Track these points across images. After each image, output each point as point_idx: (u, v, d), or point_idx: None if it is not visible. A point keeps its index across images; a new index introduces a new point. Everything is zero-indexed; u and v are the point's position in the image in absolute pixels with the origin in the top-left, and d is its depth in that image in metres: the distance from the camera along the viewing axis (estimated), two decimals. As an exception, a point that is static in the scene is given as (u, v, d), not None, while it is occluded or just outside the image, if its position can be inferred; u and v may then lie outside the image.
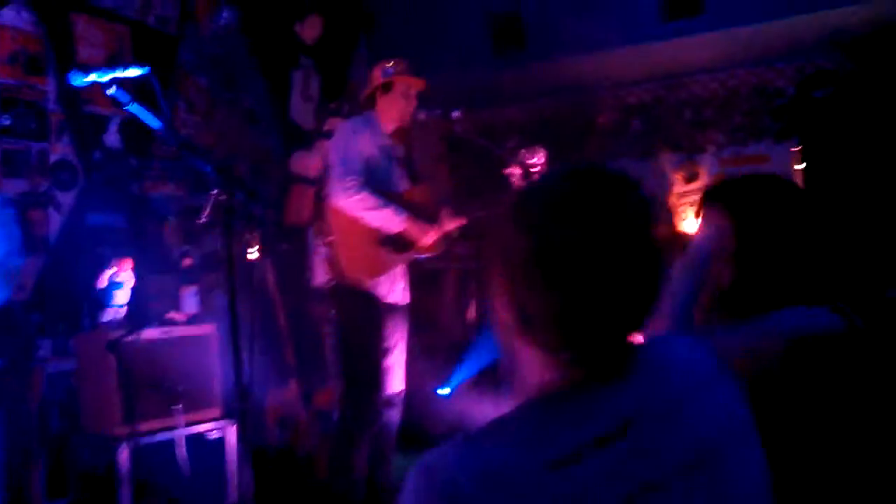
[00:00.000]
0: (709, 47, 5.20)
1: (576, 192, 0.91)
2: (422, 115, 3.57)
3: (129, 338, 3.32)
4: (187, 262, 4.44)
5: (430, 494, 0.84)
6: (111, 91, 2.42)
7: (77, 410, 3.51)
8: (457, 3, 5.58)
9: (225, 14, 5.07)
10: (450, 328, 5.53)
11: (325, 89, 5.75)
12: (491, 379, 4.90)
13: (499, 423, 0.92)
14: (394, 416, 3.53)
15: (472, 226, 3.57)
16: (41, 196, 4.03)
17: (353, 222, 3.32)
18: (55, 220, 4.09)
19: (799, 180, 3.80)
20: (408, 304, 3.55)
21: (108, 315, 3.69)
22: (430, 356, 5.12)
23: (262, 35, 5.30)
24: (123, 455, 3.19)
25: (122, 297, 3.72)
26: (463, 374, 4.87)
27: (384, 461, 3.55)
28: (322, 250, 4.63)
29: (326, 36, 5.69)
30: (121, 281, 3.71)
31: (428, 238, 3.40)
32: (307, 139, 5.45)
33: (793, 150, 4.93)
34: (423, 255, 3.48)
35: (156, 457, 3.29)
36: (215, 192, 2.36)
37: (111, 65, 2.44)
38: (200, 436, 3.52)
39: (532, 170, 3.50)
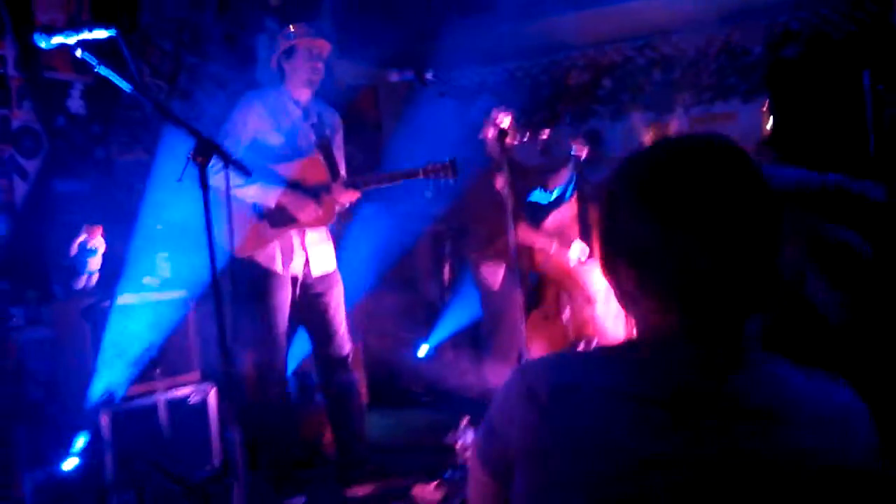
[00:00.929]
0: (678, 7, 5.22)
1: (691, 161, 0.94)
2: (394, 77, 3.54)
3: (104, 304, 3.29)
4: (158, 226, 4.38)
5: (514, 392, 0.97)
6: (79, 53, 2.37)
7: (54, 378, 3.48)
8: (424, -37, 5.52)
9: (188, -25, 4.95)
10: (426, 289, 5.57)
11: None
12: (468, 339, 4.96)
13: (597, 350, 1.03)
14: (345, 377, 3.56)
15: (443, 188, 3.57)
16: (5, 163, 3.93)
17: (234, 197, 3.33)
18: (20, 188, 4.00)
19: (767, 139, 3.87)
20: (326, 275, 3.52)
21: (81, 282, 3.64)
22: (407, 317, 5.15)
23: (226, -4, 5.19)
24: (104, 421, 3.17)
25: (94, 263, 3.67)
26: (440, 334, 4.92)
27: (350, 421, 3.58)
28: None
29: (291, -3, 5.59)
30: (92, 248, 3.66)
31: (307, 212, 3.33)
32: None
33: (762, 108, 5.01)
34: (312, 227, 3.43)
35: (137, 423, 3.28)
36: (190, 154, 2.34)
37: (75, 27, 2.38)
38: (181, 400, 3.51)
39: (504, 130, 3.50)
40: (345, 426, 3.59)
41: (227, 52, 5.23)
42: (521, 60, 6.18)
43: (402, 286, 5.29)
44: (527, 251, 4.26)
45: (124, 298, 3.42)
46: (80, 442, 3.17)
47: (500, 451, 0.97)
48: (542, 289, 4.51)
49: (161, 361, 3.39)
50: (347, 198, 3.37)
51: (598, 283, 4.20)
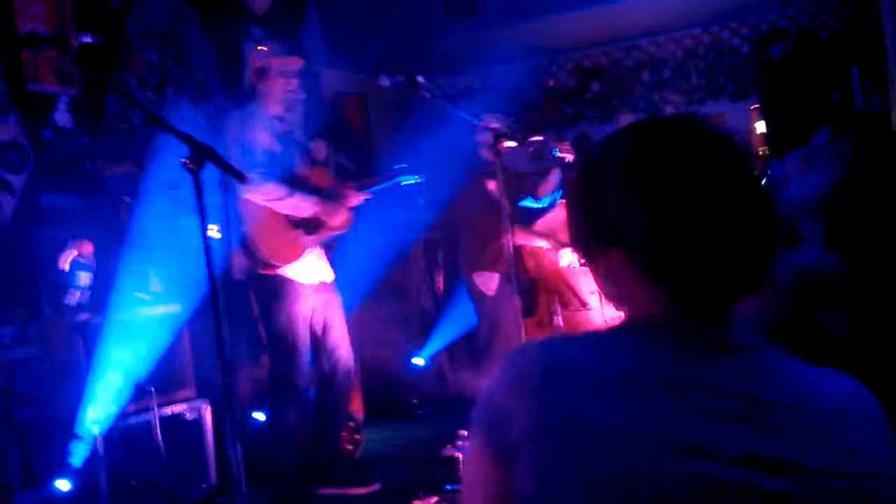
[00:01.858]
0: (664, 8, 5.23)
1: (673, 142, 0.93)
2: (384, 82, 3.52)
3: (96, 320, 3.24)
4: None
5: (507, 375, 0.97)
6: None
7: (46, 397, 3.41)
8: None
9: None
10: (419, 298, 5.53)
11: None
12: (465, 348, 4.92)
13: (590, 333, 1.03)
14: (338, 389, 3.59)
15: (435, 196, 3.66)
16: (-9, 178, 3.87)
17: (265, 210, 3.38)
18: (7, 203, 3.93)
19: (756, 138, 3.87)
20: (333, 282, 3.63)
21: (72, 298, 3.57)
22: (402, 327, 5.11)
23: (212, 6, 5.15)
24: (98, 440, 3.12)
25: (85, 279, 3.61)
26: (436, 343, 4.88)
27: (334, 431, 3.64)
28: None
29: (276, 5, 5.57)
30: (83, 263, 3.60)
31: (338, 217, 3.50)
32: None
33: (750, 108, 5.02)
34: (336, 234, 3.58)
35: (131, 441, 3.23)
36: (185, 162, 2.29)
37: (60, 38, 2.34)
38: (176, 417, 3.46)
39: (498, 135, 3.48)
40: (327, 438, 3.61)
41: (213, 62, 5.18)
42: (510, 65, 6.17)
43: (395, 296, 5.25)
44: (519, 258, 4.23)
45: (116, 314, 3.36)
46: (74, 461, 3.11)
47: (497, 434, 0.95)
48: (534, 296, 4.48)
49: (155, 378, 3.34)
50: (359, 200, 3.55)
51: (591, 286, 4.18)
